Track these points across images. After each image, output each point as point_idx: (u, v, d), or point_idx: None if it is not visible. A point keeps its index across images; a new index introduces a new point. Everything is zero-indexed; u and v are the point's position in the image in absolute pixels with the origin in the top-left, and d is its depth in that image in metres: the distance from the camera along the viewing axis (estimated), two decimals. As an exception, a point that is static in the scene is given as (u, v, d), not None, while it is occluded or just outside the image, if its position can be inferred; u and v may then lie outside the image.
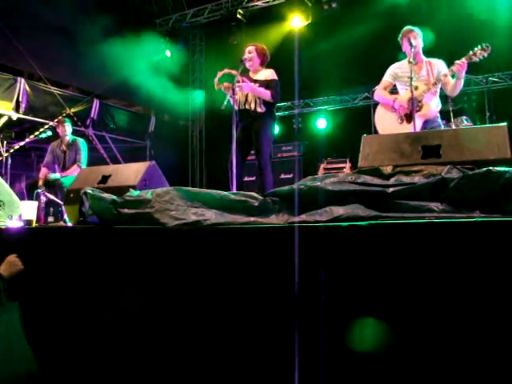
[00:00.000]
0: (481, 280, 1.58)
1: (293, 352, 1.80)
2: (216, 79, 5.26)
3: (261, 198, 2.21)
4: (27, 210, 3.42)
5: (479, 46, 4.57)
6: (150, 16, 10.92)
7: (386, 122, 4.99)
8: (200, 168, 11.78)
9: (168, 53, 10.74)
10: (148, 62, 10.31)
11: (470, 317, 1.58)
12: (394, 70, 5.05)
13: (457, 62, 4.54)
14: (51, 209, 5.35)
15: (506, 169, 1.87)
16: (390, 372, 1.67)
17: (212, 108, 10.14)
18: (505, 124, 2.27)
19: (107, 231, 2.44)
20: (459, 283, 1.61)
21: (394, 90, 5.21)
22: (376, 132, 5.26)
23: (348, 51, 9.32)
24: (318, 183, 2.10)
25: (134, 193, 2.52)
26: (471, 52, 4.58)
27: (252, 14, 10.09)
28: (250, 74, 5.42)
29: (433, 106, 4.74)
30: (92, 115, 9.70)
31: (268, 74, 5.33)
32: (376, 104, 5.30)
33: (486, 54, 4.56)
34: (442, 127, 5.01)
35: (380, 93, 5.10)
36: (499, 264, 1.57)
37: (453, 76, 4.63)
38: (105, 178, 3.26)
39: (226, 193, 2.31)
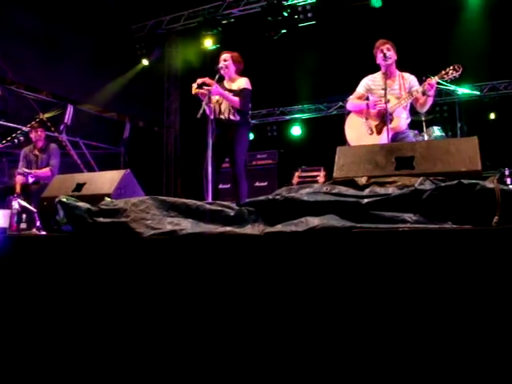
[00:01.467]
0: (451, 287, 1.62)
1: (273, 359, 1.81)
2: (195, 84, 5.26)
3: (236, 207, 2.22)
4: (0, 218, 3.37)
5: (451, 67, 4.66)
6: (126, 22, 10.87)
7: (356, 132, 5.04)
8: (175, 175, 11.75)
9: (145, 61, 10.70)
10: (123, 67, 10.27)
11: (444, 322, 1.61)
12: (367, 81, 5.11)
13: (428, 81, 4.61)
14: (24, 215, 5.28)
15: (477, 181, 1.91)
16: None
17: (187, 115, 10.16)
18: (475, 137, 2.32)
19: (82, 240, 2.42)
20: (431, 291, 1.64)
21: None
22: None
23: (323, 61, 9.43)
24: (294, 194, 2.12)
25: (109, 201, 2.51)
26: (443, 71, 4.67)
27: (229, 22, 10.13)
28: (225, 82, 5.45)
29: (403, 119, 4.82)
30: (66, 121, 9.60)
31: (242, 82, 5.37)
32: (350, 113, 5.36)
33: (456, 75, 4.65)
34: (411, 138, 5.08)
35: (353, 101, 5.15)
36: (469, 272, 1.61)
37: (423, 93, 4.70)
38: (79, 186, 3.23)
39: (201, 202, 2.31)
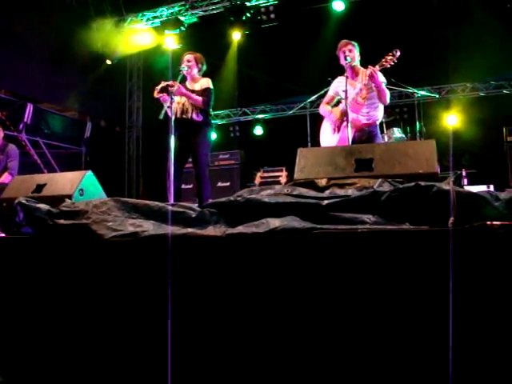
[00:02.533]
0: (409, 286, 1.66)
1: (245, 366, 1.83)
2: (158, 87, 5.24)
3: (198, 209, 2.23)
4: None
5: (390, 53, 4.74)
6: (88, 20, 10.71)
7: (324, 134, 5.14)
8: (137, 176, 11.65)
9: (108, 60, 10.57)
10: (85, 66, 10.13)
11: (401, 320, 1.65)
12: (335, 83, 5.18)
13: (366, 70, 4.68)
14: (-19, 217, 5.17)
15: (434, 183, 1.96)
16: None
17: (150, 114, 10.09)
18: (433, 140, 2.38)
19: (42, 242, 2.39)
20: (390, 289, 1.68)
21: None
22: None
23: (285, 62, 9.49)
24: (255, 195, 2.14)
25: (70, 203, 2.48)
26: (383, 60, 4.74)
27: (192, 23, 10.10)
28: (188, 82, 5.45)
29: (361, 116, 4.86)
30: (25, 119, 9.40)
31: (204, 82, 5.40)
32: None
33: (395, 59, 4.72)
34: (379, 138, 5.13)
35: (322, 106, 5.24)
36: (425, 271, 1.65)
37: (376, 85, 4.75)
38: (39, 187, 3.19)
39: (163, 204, 2.31)
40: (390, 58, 4.72)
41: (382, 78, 4.81)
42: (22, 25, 8.96)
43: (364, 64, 5.05)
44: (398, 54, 4.72)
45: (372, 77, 4.62)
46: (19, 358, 2.34)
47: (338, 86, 5.13)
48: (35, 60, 9.22)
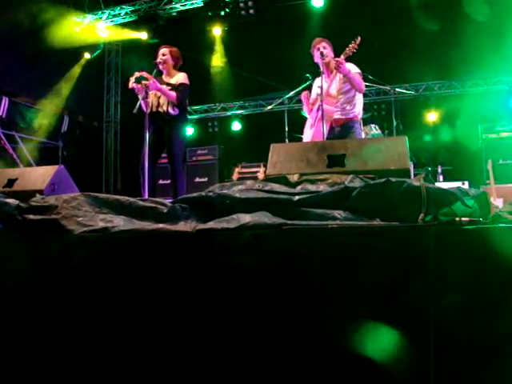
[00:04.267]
0: (375, 280, 1.67)
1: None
2: (132, 78, 5.20)
3: (170, 204, 2.22)
4: None
5: (352, 41, 4.79)
6: (66, 13, 10.59)
7: (305, 129, 5.17)
8: (114, 170, 11.57)
9: (87, 54, 10.47)
10: (63, 60, 10.02)
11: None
12: (315, 82, 5.21)
13: (335, 59, 4.73)
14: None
15: (404, 179, 1.97)
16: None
17: (128, 109, 10.02)
18: (404, 136, 2.39)
19: (11, 238, 2.36)
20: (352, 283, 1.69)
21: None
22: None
23: (264, 58, 9.48)
24: (226, 190, 2.14)
25: (40, 198, 2.45)
26: (346, 49, 4.79)
27: (170, 17, 10.05)
28: (164, 76, 5.41)
29: (336, 109, 4.88)
30: (0, 114, 9.28)
31: (180, 77, 5.36)
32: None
33: (356, 46, 4.79)
34: (359, 134, 5.17)
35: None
36: (394, 266, 1.67)
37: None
38: (11, 182, 3.15)
39: (134, 199, 2.29)
40: (351, 45, 4.78)
41: (352, 67, 4.85)
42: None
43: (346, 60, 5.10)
44: (359, 40, 4.79)
45: (338, 67, 4.65)
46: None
47: (314, 84, 5.17)
48: (11, 53, 9.10)
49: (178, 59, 5.48)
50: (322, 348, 1.71)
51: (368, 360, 1.62)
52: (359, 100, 5.03)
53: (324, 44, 4.98)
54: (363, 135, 7.09)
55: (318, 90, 4.95)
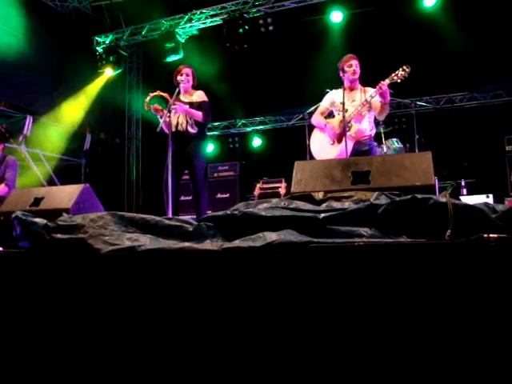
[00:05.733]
0: (405, 300, 1.65)
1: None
2: (147, 100, 5.29)
3: (195, 223, 2.23)
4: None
5: (400, 68, 4.78)
6: (88, 33, 10.78)
7: (319, 144, 5.16)
8: (136, 186, 11.66)
9: (109, 71, 10.61)
10: (85, 79, 10.19)
11: (399, 336, 1.64)
12: (330, 96, 5.22)
13: (380, 84, 4.70)
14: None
15: (430, 195, 1.96)
16: None
17: (149, 126, 10.11)
18: (429, 152, 2.38)
19: (39, 257, 2.39)
20: (387, 304, 1.68)
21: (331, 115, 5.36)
22: (310, 153, 5.40)
23: (284, 73, 9.52)
24: (252, 209, 2.14)
25: (67, 217, 2.48)
26: (393, 73, 4.78)
27: (191, 35, 10.16)
28: (181, 95, 5.45)
29: (362, 127, 4.90)
30: (25, 132, 9.42)
31: (200, 95, 5.43)
32: (310, 125, 5.45)
33: (406, 75, 4.76)
34: (376, 151, 5.19)
35: (315, 116, 5.27)
36: (422, 284, 1.65)
37: (381, 97, 4.78)
38: (37, 201, 3.19)
39: (160, 218, 2.31)
40: (400, 73, 4.75)
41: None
42: (23, 38, 9.02)
43: (364, 76, 5.11)
44: (409, 69, 4.75)
45: (383, 92, 4.64)
46: (17, 371, 2.33)
47: (333, 97, 5.17)
48: (35, 73, 9.28)
49: (196, 78, 5.56)
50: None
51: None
52: (372, 118, 5.06)
53: (355, 61, 5.02)
54: (385, 149, 7.09)
55: (337, 104, 5.00)
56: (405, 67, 4.78)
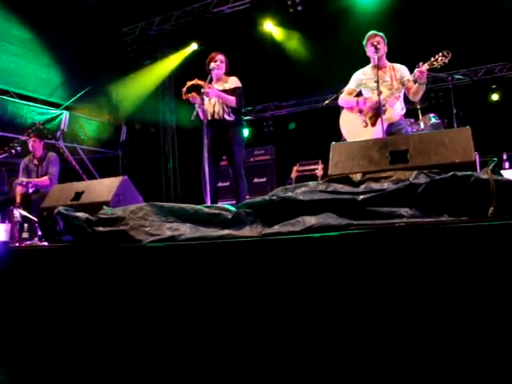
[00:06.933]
0: (450, 281, 1.63)
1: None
2: (184, 89, 5.28)
3: (234, 210, 2.23)
4: None
5: (440, 53, 4.65)
6: (117, 24, 10.86)
7: (351, 126, 5.02)
8: (174, 175, 11.74)
9: (141, 61, 10.70)
10: (116, 71, 10.28)
11: (442, 318, 1.62)
12: (358, 76, 5.10)
13: (418, 69, 4.59)
14: (25, 225, 5.31)
15: (471, 172, 1.92)
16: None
17: (183, 114, 10.15)
18: (468, 127, 2.32)
19: (82, 250, 2.44)
20: (431, 285, 1.65)
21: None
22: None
23: (316, 53, 9.42)
24: (290, 193, 2.13)
25: (108, 210, 2.52)
26: (432, 58, 4.65)
27: (219, 20, 10.12)
28: (214, 82, 5.43)
29: (396, 110, 4.81)
30: (62, 127, 9.60)
31: (233, 81, 5.39)
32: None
33: (446, 61, 4.63)
34: (407, 129, 5.09)
35: (344, 97, 5.13)
36: (466, 264, 1.62)
37: (415, 81, 4.68)
38: (78, 195, 3.24)
39: (199, 206, 2.32)
40: (440, 58, 4.64)
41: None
42: (53, 33, 9.17)
43: (391, 56, 5.00)
44: (450, 56, 4.64)
45: (422, 75, 4.55)
46: (61, 363, 2.39)
47: (362, 78, 5.06)
48: (68, 68, 9.42)
49: (228, 64, 5.51)
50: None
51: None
52: (402, 96, 4.95)
53: (378, 39, 4.90)
54: (422, 125, 6.95)
55: (365, 83, 4.92)
56: (445, 53, 4.64)
